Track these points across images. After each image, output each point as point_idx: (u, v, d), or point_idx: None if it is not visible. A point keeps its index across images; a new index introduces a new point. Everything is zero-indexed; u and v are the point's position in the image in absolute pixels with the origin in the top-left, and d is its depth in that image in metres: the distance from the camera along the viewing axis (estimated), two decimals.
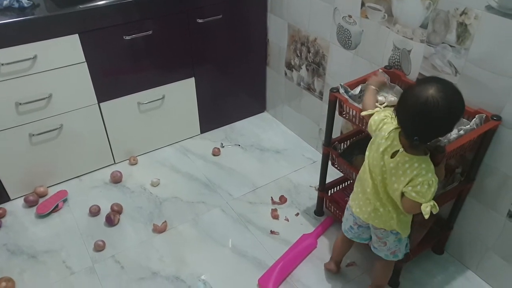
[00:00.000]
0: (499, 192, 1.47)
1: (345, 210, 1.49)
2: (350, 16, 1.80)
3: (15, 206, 1.98)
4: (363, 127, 1.48)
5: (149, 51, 2.01)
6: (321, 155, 1.79)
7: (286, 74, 2.36)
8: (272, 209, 1.97)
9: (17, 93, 1.77)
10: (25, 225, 1.89)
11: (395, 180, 1.19)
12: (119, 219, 1.91)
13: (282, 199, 2.02)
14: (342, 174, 1.77)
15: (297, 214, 1.95)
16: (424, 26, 1.50)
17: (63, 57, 1.79)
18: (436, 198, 1.42)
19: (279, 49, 2.33)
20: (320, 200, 1.92)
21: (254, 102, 2.60)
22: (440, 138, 1.17)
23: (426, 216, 1.14)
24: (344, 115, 1.57)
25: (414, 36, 1.55)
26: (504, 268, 1.55)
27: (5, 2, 1.69)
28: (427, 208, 1.14)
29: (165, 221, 1.89)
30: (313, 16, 1.99)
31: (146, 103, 2.13)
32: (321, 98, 2.16)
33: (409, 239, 1.42)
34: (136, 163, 2.24)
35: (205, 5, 2.04)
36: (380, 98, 1.61)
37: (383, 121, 1.25)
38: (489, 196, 1.51)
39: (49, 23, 1.70)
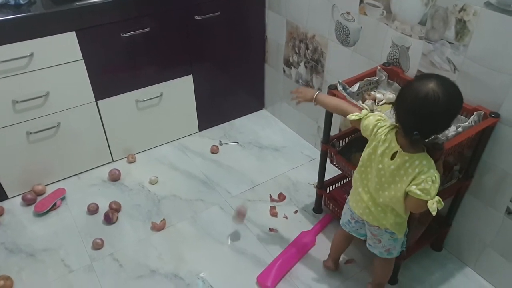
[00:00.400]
0: (498, 189, 1.47)
1: (345, 203, 1.49)
2: (348, 13, 1.79)
3: (13, 204, 1.98)
4: None
5: (147, 48, 2.00)
6: (319, 153, 1.79)
7: (284, 71, 2.35)
8: (270, 206, 1.97)
9: (14, 91, 1.76)
10: (23, 223, 1.89)
11: (399, 180, 1.19)
12: (117, 217, 1.91)
13: (281, 197, 2.02)
14: (341, 172, 1.77)
15: (295, 212, 1.95)
16: (422, 22, 1.50)
17: (60, 55, 1.78)
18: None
19: (277, 46, 2.32)
20: (318, 198, 1.92)
21: (252, 100, 2.59)
22: (438, 135, 1.17)
23: (434, 213, 1.13)
24: None
25: (412, 33, 1.55)
26: (502, 264, 1.55)
27: None
28: (434, 205, 1.12)
29: (164, 219, 1.89)
30: (312, 12, 1.99)
31: (144, 100, 2.12)
32: None
33: (406, 238, 1.42)
34: (134, 161, 2.23)
35: (203, 2, 2.03)
36: (378, 95, 1.61)
37: (376, 125, 1.24)
38: (488, 193, 1.51)
39: (46, 20, 1.69)
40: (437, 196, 1.14)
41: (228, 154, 2.30)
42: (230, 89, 2.43)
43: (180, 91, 2.23)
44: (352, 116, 1.30)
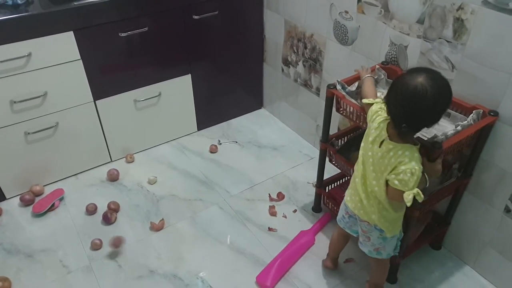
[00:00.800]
0: (496, 188, 1.47)
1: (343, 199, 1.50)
2: (346, 12, 1.79)
3: (11, 205, 1.97)
4: (361, 124, 1.48)
5: (145, 48, 2.00)
6: (318, 152, 1.79)
7: (283, 70, 2.35)
8: (269, 206, 1.97)
9: (12, 91, 1.75)
10: (21, 224, 1.88)
11: (384, 169, 1.22)
12: (116, 218, 1.90)
13: (280, 196, 2.02)
14: (340, 171, 1.77)
15: (294, 211, 1.95)
16: (420, 21, 1.50)
17: (58, 55, 1.78)
18: (433, 193, 1.43)
19: (275, 45, 2.32)
20: (317, 197, 1.91)
21: (251, 99, 2.59)
22: (427, 127, 1.20)
23: (408, 204, 1.16)
24: (341, 112, 1.56)
25: (410, 32, 1.55)
26: (501, 263, 1.56)
27: None
28: (409, 196, 1.15)
29: (163, 219, 1.88)
30: (310, 11, 1.98)
31: (142, 100, 2.12)
32: (318, 95, 2.16)
33: (400, 242, 1.42)
34: (132, 161, 2.23)
35: (201, 1, 2.03)
36: (378, 94, 1.60)
37: (377, 112, 1.28)
38: (486, 192, 1.51)
39: (44, 20, 1.69)
40: (416, 189, 1.16)
41: (227, 154, 2.30)
42: (228, 88, 2.43)
43: (178, 91, 2.23)
44: (365, 100, 1.35)
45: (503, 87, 1.33)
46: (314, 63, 2.10)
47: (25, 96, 1.78)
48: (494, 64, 1.32)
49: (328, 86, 1.55)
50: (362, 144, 1.31)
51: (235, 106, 2.53)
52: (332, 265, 1.66)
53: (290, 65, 2.28)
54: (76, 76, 1.87)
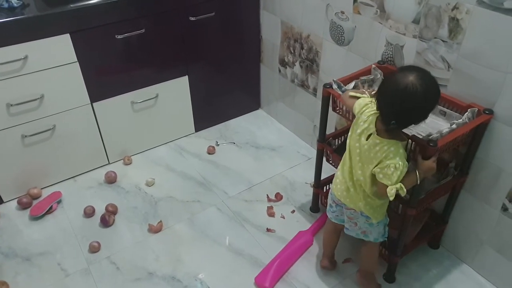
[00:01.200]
0: (493, 186, 1.48)
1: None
2: (342, 12, 1.79)
3: (8, 208, 1.97)
4: None
5: (142, 49, 2.00)
6: (316, 152, 1.79)
7: (280, 71, 2.35)
8: (268, 206, 1.97)
9: (8, 94, 1.75)
10: (19, 227, 1.88)
11: (369, 162, 1.25)
12: (114, 220, 1.90)
13: (278, 197, 2.02)
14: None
15: (293, 211, 1.95)
16: (416, 21, 1.51)
17: (54, 57, 1.78)
18: (430, 192, 1.44)
19: (272, 46, 2.32)
20: (315, 197, 1.92)
21: (248, 100, 2.59)
22: (415, 124, 1.24)
23: (391, 198, 1.21)
24: (338, 111, 1.57)
25: (406, 32, 1.56)
26: (499, 261, 1.56)
27: None
28: (392, 191, 1.19)
29: (161, 221, 1.88)
30: (306, 12, 1.99)
31: (139, 102, 2.12)
32: (315, 95, 2.16)
33: (387, 228, 1.45)
34: (130, 163, 2.23)
35: (197, 2, 2.03)
36: (373, 93, 1.61)
37: (367, 105, 1.30)
38: (483, 190, 1.52)
39: (40, 23, 1.69)
40: (399, 183, 1.20)
41: (224, 155, 2.30)
42: (226, 90, 2.43)
43: (175, 92, 2.23)
44: (351, 93, 1.38)
45: (498, 86, 1.34)
46: (310, 63, 2.10)
47: (22, 99, 1.78)
48: (489, 63, 1.33)
49: (325, 86, 1.56)
50: (349, 134, 1.34)
51: (233, 107, 2.53)
52: (329, 265, 1.66)
53: (287, 66, 2.28)
54: (72, 79, 1.87)
